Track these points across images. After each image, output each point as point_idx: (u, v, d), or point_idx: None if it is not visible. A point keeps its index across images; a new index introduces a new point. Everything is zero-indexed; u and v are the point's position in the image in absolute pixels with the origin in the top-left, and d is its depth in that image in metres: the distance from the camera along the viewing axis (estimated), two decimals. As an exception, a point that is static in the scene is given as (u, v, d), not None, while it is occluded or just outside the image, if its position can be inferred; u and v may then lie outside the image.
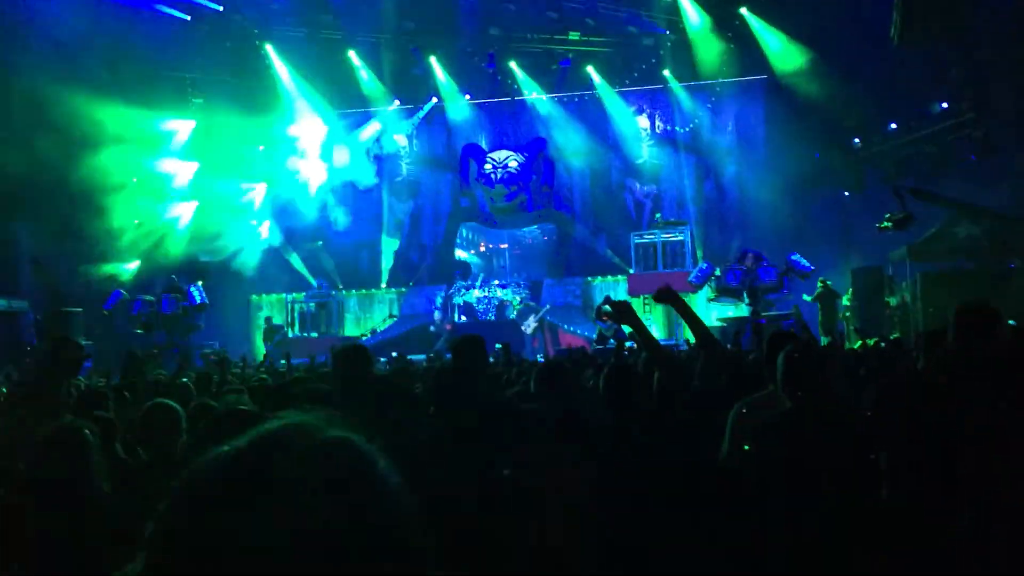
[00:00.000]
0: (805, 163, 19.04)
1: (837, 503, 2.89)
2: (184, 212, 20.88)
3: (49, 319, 18.17)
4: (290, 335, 20.47)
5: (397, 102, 22.44)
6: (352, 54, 21.42)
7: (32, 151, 17.02)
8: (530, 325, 19.76)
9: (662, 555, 2.99)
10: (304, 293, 21.34)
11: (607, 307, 5.02)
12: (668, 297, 4.95)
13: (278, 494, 0.78)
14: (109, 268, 19.37)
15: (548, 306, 20.02)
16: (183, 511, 0.80)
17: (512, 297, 20.71)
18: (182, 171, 20.84)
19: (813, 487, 2.95)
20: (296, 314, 21.01)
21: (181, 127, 20.76)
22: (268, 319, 20.45)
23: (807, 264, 16.39)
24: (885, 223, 15.83)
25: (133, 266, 19.95)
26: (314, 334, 20.62)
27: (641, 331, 4.64)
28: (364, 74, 21.65)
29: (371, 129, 22.66)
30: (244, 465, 0.81)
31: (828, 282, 17.03)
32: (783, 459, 3.04)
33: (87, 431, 3.27)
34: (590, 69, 21.45)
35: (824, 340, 14.07)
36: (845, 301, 17.33)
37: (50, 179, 17.82)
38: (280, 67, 21.09)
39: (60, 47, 16.25)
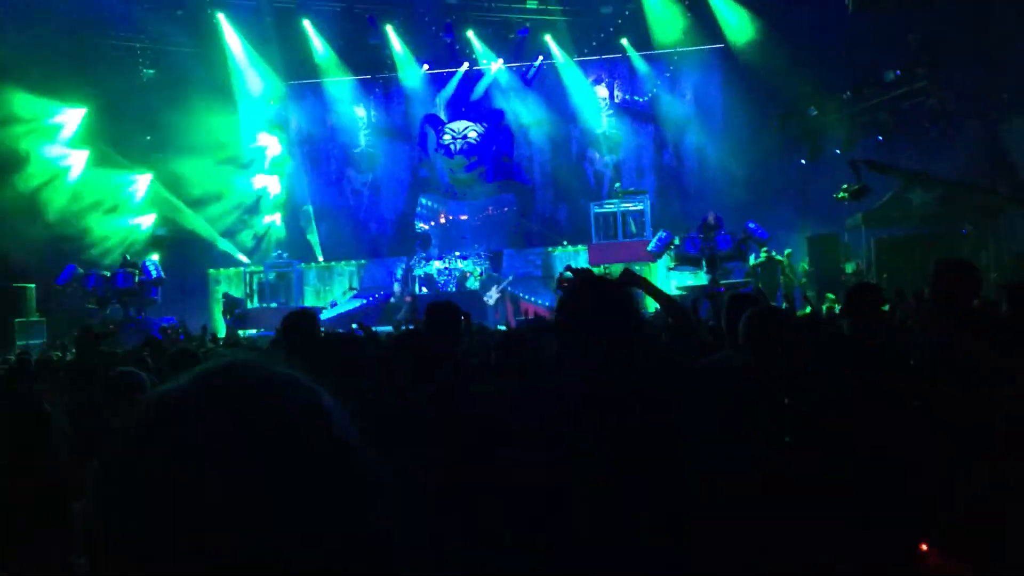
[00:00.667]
0: (762, 132, 19.15)
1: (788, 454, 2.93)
2: (141, 183, 20.54)
3: (1, 295, 17.81)
4: (249, 307, 20.28)
5: (351, 74, 22.10)
6: (306, 23, 21.06)
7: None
8: (492, 296, 19.74)
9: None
10: (263, 265, 21.11)
11: (568, 275, 5.03)
12: (631, 280, 5.01)
13: (221, 428, 0.75)
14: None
15: (511, 277, 20.01)
16: (129, 447, 0.77)
17: (473, 268, 20.69)
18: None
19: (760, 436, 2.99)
20: (255, 285, 20.79)
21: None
22: (226, 293, 20.22)
23: (764, 231, 16.53)
24: (842, 194, 15.99)
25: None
26: (273, 304, 20.45)
27: (653, 291, 4.66)
28: (318, 44, 21.29)
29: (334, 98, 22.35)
30: (188, 400, 0.78)
31: (772, 252, 17.20)
32: (738, 403, 3.08)
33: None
34: (548, 38, 21.34)
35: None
36: (802, 267, 17.52)
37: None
38: (232, 37, 20.67)
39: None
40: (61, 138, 19.29)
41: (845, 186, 15.92)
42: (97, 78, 18.87)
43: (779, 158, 18.94)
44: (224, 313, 19.45)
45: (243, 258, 21.76)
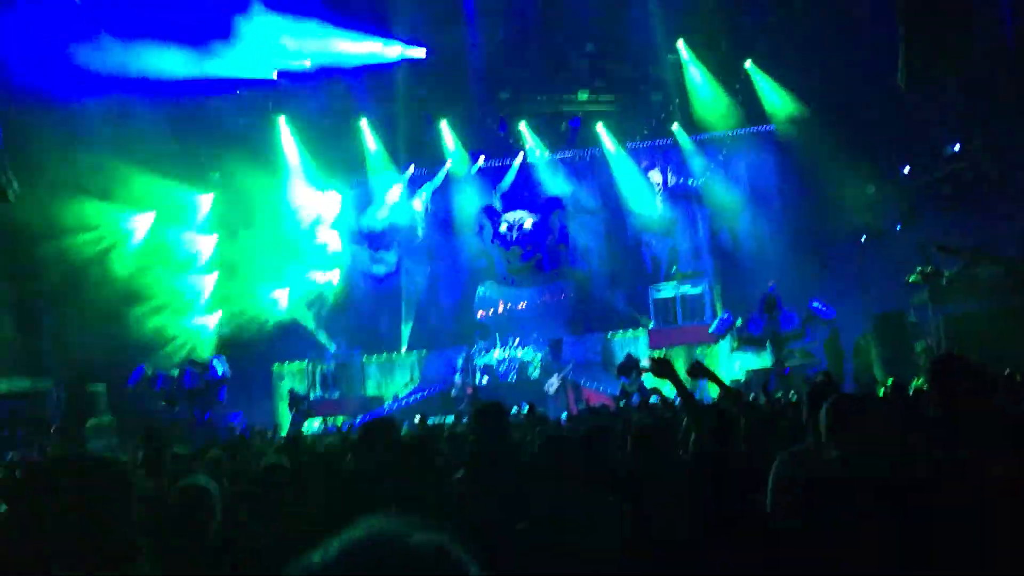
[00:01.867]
0: (819, 210, 19.05)
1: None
2: (207, 284, 21.06)
3: (73, 397, 18.24)
4: (312, 396, 20.48)
5: (412, 167, 22.63)
6: (364, 123, 21.70)
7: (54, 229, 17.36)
8: (552, 385, 19.65)
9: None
10: (324, 357, 21.38)
11: (644, 363, 5.03)
12: (700, 372, 5.05)
13: None
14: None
15: (571, 364, 19.91)
16: None
17: (533, 356, 20.64)
18: (204, 244, 21.10)
19: (861, 545, 2.88)
20: (318, 376, 21.00)
21: (203, 201, 21.06)
22: (292, 390, 20.42)
23: (829, 310, 16.29)
24: (914, 277, 15.70)
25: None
26: (336, 395, 20.62)
27: (681, 389, 4.63)
28: (372, 143, 21.88)
29: (392, 194, 22.82)
30: None
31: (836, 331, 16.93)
32: (831, 514, 2.97)
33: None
34: (600, 127, 21.65)
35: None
36: (870, 348, 17.15)
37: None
38: (288, 140, 21.38)
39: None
40: (132, 242, 19.94)
41: (919, 269, 15.63)
42: (166, 183, 19.55)
43: (838, 236, 18.73)
44: (290, 407, 19.62)
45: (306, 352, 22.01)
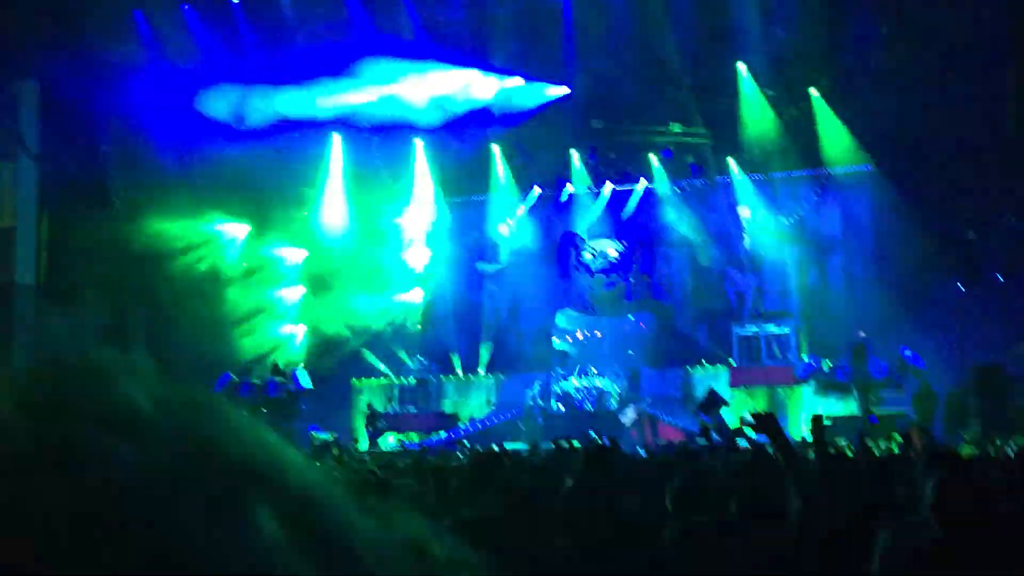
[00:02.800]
0: (916, 254, 18.56)
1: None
2: (293, 296, 21.47)
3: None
4: (389, 411, 20.65)
5: (537, 188, 22.79)
6: (496, 149, 22.05)
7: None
8: (628, 416, 19.49)
9: None
10: (403, 374, 21.56)
11: (749, 417, 4.88)
12: (769, 428, 4.82)
13: None
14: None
15: (649, 398, 19.71)
16: None
17: (611, 387, 20.47)
18: (294, 257, 21.60)
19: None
20: (395, 392, 21.19)
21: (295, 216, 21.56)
22: (370, 405, 20.65)
23: (922, 360, 15.83)
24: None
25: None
26: (412, 409, 20.77)
27: (783, 446, 4.50)
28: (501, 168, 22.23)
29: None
30: None
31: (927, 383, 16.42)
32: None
33: None
34: (690, 160, 21.46)
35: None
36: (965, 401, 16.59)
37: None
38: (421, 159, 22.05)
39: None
40: (227, 254, 20.48)
41: None
42: (260, 197, 20.08)
43: (934, 282, 18.21)
44: (367, 425, 19.85)
45: (384, 367, 22.22)
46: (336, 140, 21.37)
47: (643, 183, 21.96)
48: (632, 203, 22.35)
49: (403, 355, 22.37)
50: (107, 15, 17.18)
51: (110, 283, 18.30)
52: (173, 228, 18.65)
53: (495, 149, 22.17)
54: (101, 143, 17.23)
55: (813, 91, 19.69)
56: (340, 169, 21.72)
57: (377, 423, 19.62)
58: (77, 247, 17.34)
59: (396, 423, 20.51)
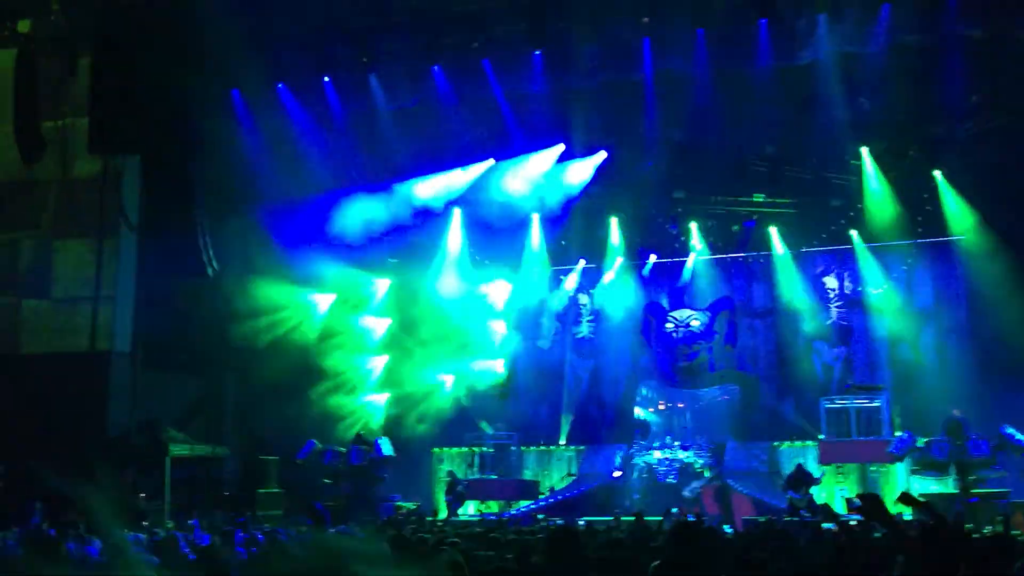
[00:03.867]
0: (1012, 327, 17.89)
1: None
2: (377, 365, 21.66)
3: (248, 467, 19.11)
4: (469, 477, 20.59)
5: (583, 261, 22.84)
6: (535, 216, 22.16)
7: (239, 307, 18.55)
8: (695, 490, 19.05)
9: None
10: (485, 441, 21.51)
11: (857, 501, 4.82)
12: (910, 502, 4.76)
13: None
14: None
15: (716, 473, 19.18)
16: None
17: (694, 459, 20.08)
18: (378, 326, 21.89)
19: None
20: (476, 460, 21.10)
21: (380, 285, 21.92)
22: (451, 472, 20.64)
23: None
24: None
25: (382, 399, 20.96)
26: (492, 476, 20.65)
27: (892, 527, 4.38)
28: (537, 238, 22.33)
29: (569, 282, 23.08)
30: None
31: None
32: None
33: None
34: (773, 230, 21.23)
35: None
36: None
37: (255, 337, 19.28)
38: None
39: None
40: (313, 322, 20.88)
41: None
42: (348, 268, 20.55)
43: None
44: (447, 493, 19.81)
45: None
46: (456, 214, 21.83)
47: (720, 254, 21.78)
48: (712, 274, 22.16)
49: (484, 425, 22.35)
50: (206, 93, 18.02)
51: (203, 351, 18.85)
52: (265, 296, 19.16)
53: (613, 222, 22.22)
54: (196, 214, 17.92)
55: (936, 174, 19.27)
56: (458, 241, 22.16)
57: (457, 489, 19.56)
58: (172, 315, 17.94)
59: (476, 490, 20.41)
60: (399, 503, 17.64)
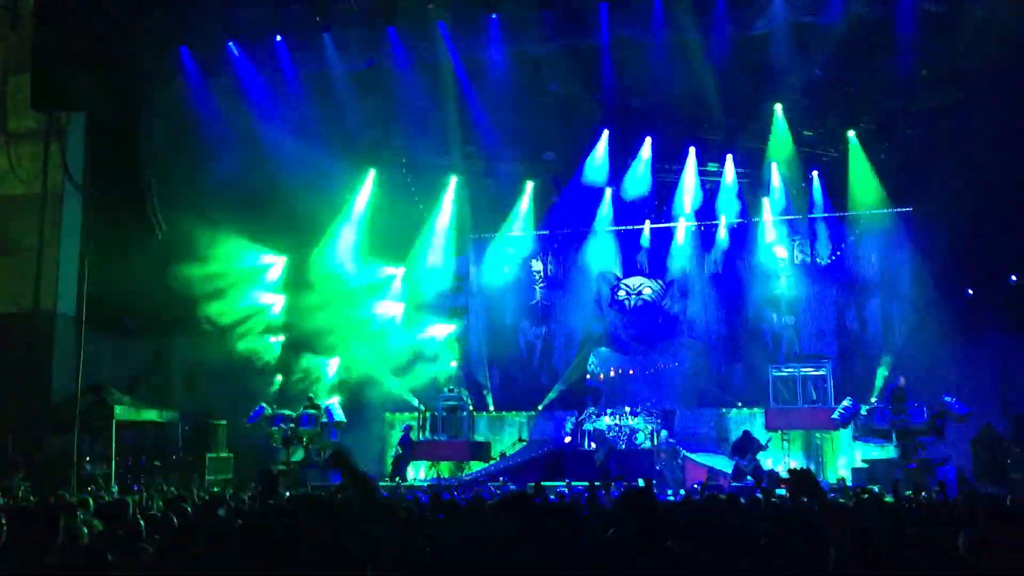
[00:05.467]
0: (956, 299, 18.32)
1: None
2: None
3: (196, 431, 18.90)
4: (420, 438, 20.61)
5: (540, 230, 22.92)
6: (488, 183, 22.20)
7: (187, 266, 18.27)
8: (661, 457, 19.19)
9: None
10: (436, 407, 21.43)
11: (784, 475, 4.89)
12: (804, 484, 4.77)
13: None
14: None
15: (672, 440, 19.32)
16: None
17: (644, 426, 20.32)
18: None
19: None
20: (428, 419, 21.06)
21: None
22: (408, 427, 20.48)
23: (963, 406, 15.56)
24: None
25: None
26: (443, 438, 20.64)
27: (823, 501, 4.46)
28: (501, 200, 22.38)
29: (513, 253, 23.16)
30: None
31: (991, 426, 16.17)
32: None
33: None
34: (724, 200, 21.41)
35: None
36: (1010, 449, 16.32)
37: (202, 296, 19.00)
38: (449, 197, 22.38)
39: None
40: (265, 283, 20.65)
41: None
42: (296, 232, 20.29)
43: (975, 329, 17.93)
44: (400, 445, 19.84)
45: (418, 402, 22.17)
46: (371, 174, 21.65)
47: (682, 223, 21.92)
48: (666, 242, 22.32)
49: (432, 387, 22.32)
50: (154, 50, 17.55)
51: (151, 314, 18.52)
52: (216, 260, 18.86)
53: (528, 186, 22.31)
54: (144, 174, 17.51)
55: (851, 134, 19.62)
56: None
57: (404, 450, 19.58)
58: (119, 277, 17.58)
59: (428, 451, 20.42)
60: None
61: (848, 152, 19.80)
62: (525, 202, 22.49)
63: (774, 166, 20.62)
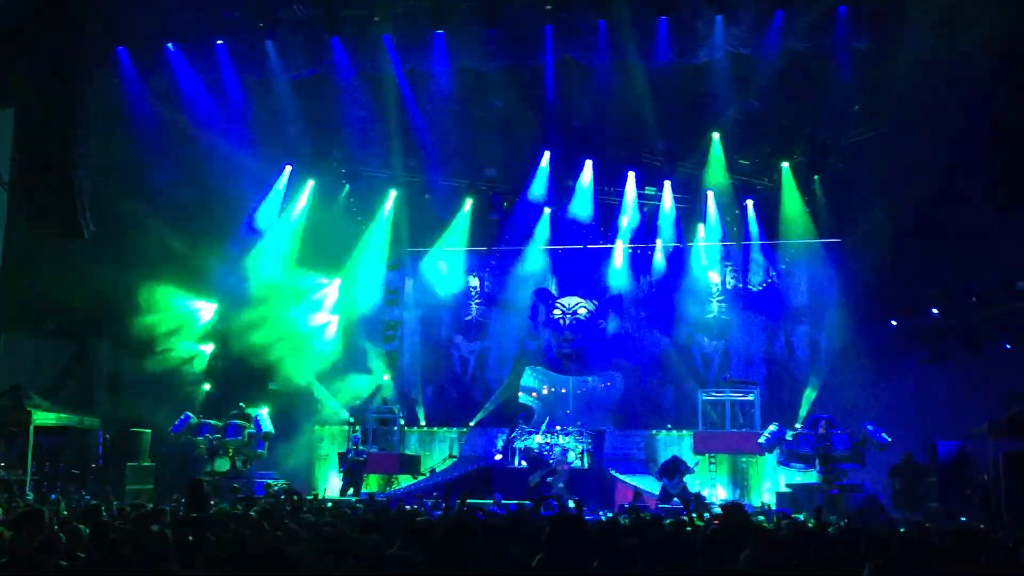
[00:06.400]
0: (880, 329, 18.83)
1: None
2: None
3: (117, 438, 18.43)
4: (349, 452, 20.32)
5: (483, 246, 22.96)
6: (428, 197, 22.19)
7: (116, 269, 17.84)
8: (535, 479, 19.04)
9: None
10: (367, 419, 21.17)
11: (717, 510, 5.02)
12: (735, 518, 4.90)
13: None
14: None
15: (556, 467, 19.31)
16: None
17: (575, 445, 20.35)
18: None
19: None
20: (358, 432, 20.74)
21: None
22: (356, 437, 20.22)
23: (884, 435, 15.97)
24: None
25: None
26: (374, 449, 20.40)
27: (752, 534, 4.57)
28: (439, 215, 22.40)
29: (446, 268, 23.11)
30: None
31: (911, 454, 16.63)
32: None
33: None
34: (661, 224, 21.73)
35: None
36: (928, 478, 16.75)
37: (129, 299, 18.58)
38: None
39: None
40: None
41: None
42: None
43: (898, 358, 18.45)
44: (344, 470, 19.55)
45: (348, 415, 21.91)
46: (309, 185, 21.49)
47: (619, 245, 22.16)
48: (601, 263, 22.52)
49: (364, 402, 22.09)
50: (90, 49, 17.19)
51: (75, 316, 18.06)
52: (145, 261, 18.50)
53: (468, 202, 22.36)
54: (74, 173, 17.10)
55: (785, 165, 20.10)
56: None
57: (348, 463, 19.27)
58: (42, 277, 17.12)
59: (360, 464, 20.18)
60: (269, 481, 17.29)
61: (781, 182, 20.28)
62: (464, 218, 22.50)
63: (710, 193, 21.01)
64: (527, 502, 13.34)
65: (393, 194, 22.27)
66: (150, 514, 8.92)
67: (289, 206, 21.29)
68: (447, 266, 23.15)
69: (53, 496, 12.52)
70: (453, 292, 23.20)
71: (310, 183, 21.42)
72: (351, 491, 18.84)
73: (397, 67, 18.17)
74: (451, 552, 4.02)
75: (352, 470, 19.33)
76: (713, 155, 20.17)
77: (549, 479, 18.34)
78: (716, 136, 19.84)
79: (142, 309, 18.68)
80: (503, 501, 15.63)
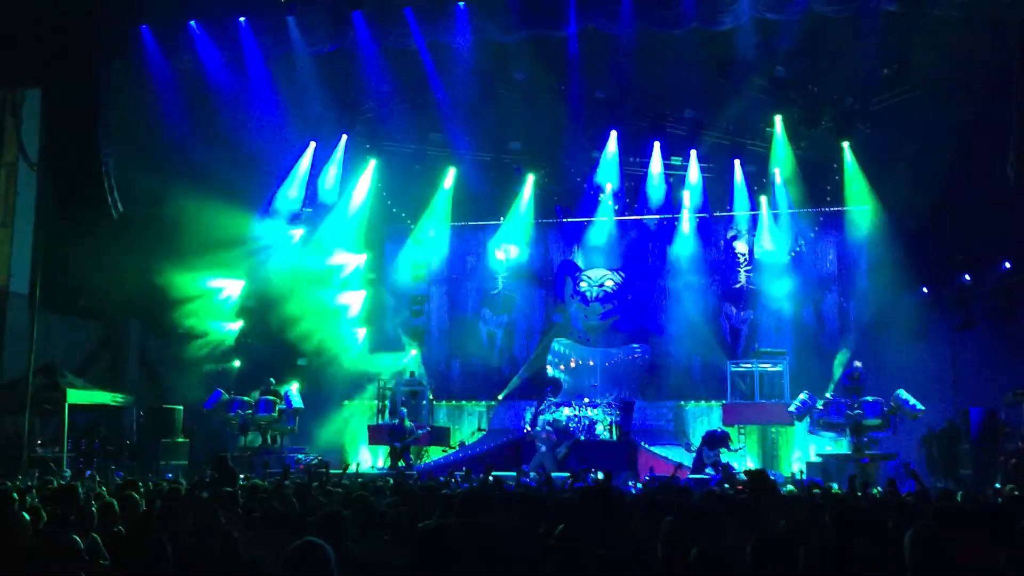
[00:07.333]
0: (911, 297, 18.61)
1: None
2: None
3: (150, 415, 18.67)
4: (379, 423, 20.43)
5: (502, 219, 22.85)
6: (452, 171, 22.08)
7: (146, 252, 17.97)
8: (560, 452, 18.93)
9: None
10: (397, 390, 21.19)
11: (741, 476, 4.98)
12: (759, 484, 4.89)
13: None
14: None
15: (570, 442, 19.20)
16: None
17: (603, 417, 20.33)
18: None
19: None
20: (387, 402, 20.85)
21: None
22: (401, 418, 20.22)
23: (916, 405, 15.81)
24: None
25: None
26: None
27: (774, 499, 4.54)
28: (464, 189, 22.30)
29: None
30: None
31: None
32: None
33: None
34: (686, 193, 21.51)
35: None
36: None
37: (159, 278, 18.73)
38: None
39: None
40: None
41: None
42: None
43: (930, 325, 18.23)
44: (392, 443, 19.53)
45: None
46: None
47: (647, 215, 22.01)
48: (629, 234, 22.40)
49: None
50: (113, 28, 17.24)
51: (107, 294, 18.25)
52: (170, 243, 18.60)
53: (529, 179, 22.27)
54: (101, 154, 17.22)
55: (844, 145, 19.73)
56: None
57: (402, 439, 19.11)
58: (74, 256, 17.29)
59: (383, 434, 20.24)
60: (299, 456, 17.45)
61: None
62: (499, 190, 22.41)
63: (736, 162, 20.79)
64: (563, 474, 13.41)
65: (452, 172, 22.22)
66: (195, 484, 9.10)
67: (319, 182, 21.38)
68: (474, 239, 23.12)
69: (88, 472, 12.70)
70: (480, 266, 23.15)
71: (372, 162, 21.68)
72: (401, 462, 18.61)
73: (419, 40, 18.09)
74: (471, 524, 4.02)
75: (407, 445, 19.17)
76: (775, 138, 20.01)
77: (544, 448, 18.27)
78: (778, 119, 19.69)
79: (171, 288, 18.77)
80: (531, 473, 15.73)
